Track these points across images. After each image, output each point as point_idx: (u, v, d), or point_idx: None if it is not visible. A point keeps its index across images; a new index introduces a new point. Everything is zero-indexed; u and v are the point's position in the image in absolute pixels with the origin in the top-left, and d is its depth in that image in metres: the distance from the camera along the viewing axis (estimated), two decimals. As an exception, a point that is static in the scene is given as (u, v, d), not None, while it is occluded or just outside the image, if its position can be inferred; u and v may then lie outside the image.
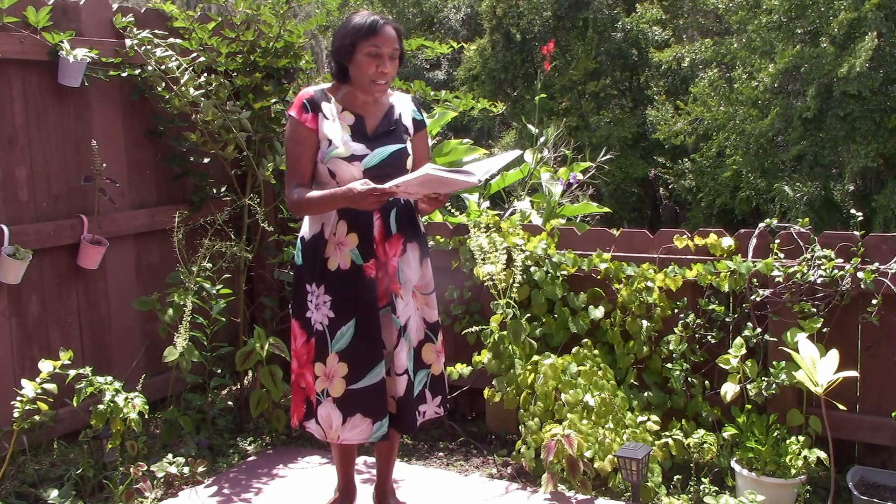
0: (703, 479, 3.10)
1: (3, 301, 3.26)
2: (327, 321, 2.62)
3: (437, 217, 4.23)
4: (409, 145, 2.69)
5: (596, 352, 3.42)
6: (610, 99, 17.47)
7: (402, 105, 2.74)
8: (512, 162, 4.78)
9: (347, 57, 2.59)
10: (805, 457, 2.98)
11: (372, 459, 3.29)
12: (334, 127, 2.61)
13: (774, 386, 3.10)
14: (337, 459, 2.88)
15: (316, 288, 2.64)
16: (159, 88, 3.59)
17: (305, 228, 2.69)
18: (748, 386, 3.14)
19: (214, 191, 3.93)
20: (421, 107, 2.82)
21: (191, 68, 3.61)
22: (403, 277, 2.65)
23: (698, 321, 3.32)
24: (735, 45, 14.50)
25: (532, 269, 3.55)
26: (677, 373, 3.28)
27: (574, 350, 3.40)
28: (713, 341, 3.30)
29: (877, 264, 3.05)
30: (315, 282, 2.64)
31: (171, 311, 3.52)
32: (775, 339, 3.17)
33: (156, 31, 3.65)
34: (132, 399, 3.06)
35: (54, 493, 2.99)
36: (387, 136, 2.64)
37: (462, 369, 3.59)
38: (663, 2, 17.98)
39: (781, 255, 3.21)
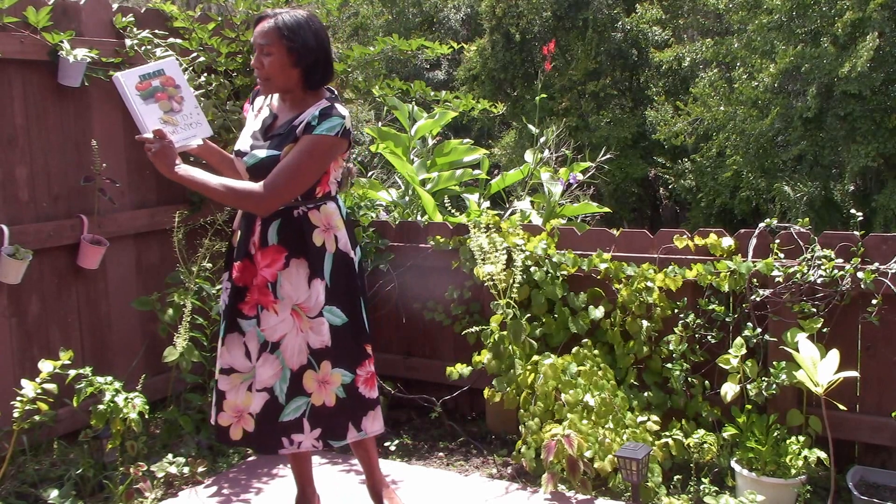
0: (703, 479, 3.11)
1: (3, 301, 3.26)
2: (224, 306, 2.69)
3: (438, 217, 4.24)
4: (283, 152, 2.49)
5: (596, 352, 3.42)
6: (610, 99, 17.45)
7: (312, 111, 2.51)
8: (513, 161, 4.80)
9: None
10: (805, 457, 2.99)
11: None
12: (250, 121, 2.66)
13: (774, 386, 3.10)
14: (291, 466, 2.93)
15: (224, 273, 2.73)
16: (159, 88, 3.59)
17: None
18: (748, 386, 3.14)
19: (214, 191, 3.93)
20: (330, 117, 2.47)
21: (191, 68, 3.61)
22: (282, 292, 2.53)
23: (698, 321, 3.32)
24: (735, 45, 14.48)
25: (532, 269, 3.55)
26: (677, 373, 3.29)
27: (574, 350, 3.40)
28: (713, 341, 3.30)
29: (877, 264, 3.05)
30: (224, 266, 2.74)
31: (171, 311, 3.52)
32: (775, 339, 3.17)
33: (156, 31, 3.65)
34: (132, 399, 3.06)
35: (54, 493, 2.99)
36: (275, 139, 2.54)
37: (462, 369, 3.59)
38: (663, 2, 17.97)
39: (781, 255, 3.21)
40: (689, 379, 3.33)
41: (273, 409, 2.56)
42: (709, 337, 3.31)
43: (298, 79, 2.53)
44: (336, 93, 2.66)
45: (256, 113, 2.66)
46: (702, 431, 3.18)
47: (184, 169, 2.44)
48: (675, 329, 3.33)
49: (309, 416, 2.58)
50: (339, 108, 2.51)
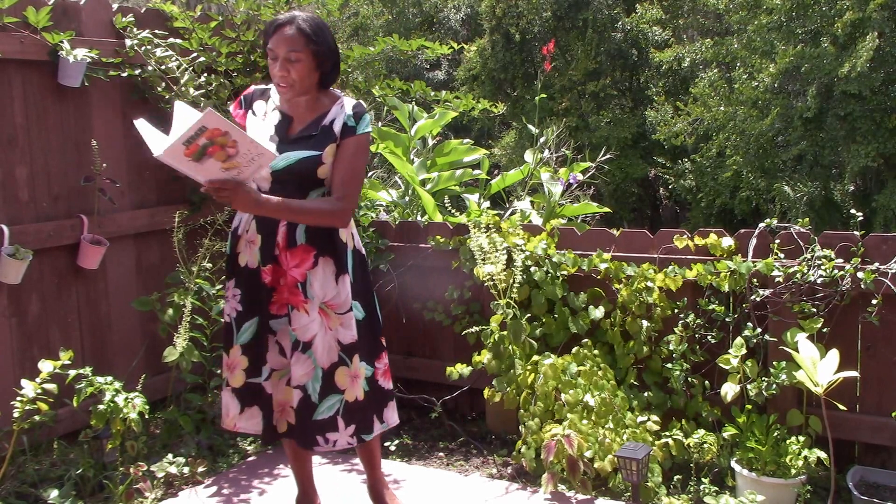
0: (703, 479, 3.11)
1: (3, 301, 3.26)
2: (235, 314, 2.66)
3: (438, 217, 4.24)
4: (325, 153, 2.52)
5: (596, 352, 3.42)
6: (610, 99, 17.46)
7: (341, 111, 2.57)
8: (513, 161, 4.81)
9: (266, 57, 2.61)
10: (805, 457, 2.99)
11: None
12: (257, 124, 2.62)
13: (774, 386, 3.10)
14: (291, 466, 2.93)
15: (227, 280, 2.71)
16: (159, 88, 3.59)
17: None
18: (748, 386, 3.14)
19: (214, 191, 3.93)
20: (362, 115, 2.58)
21: (191, 68, 3.61)
22: (311, 292, 2.55)
23: (698, 321, 3.32)
24: (735, 45, 14.49)
25: (532, 269, 3.55)
26: (677, 373, 3.29)
27: (574, 350, 3.40)
28: (713, 341, 3.30)
29: (877, 264, 3.05)
30: (227, 273, 2.71)
31: (171, 311, 3.52)
32: (775, 339, 3.17)
33: (156, 31, 3.65)
34: (132, 399, 3.06)
35: (54, 493, 2.99)
36: (305, 140, 2.55)
37: (462, 369, 3.59)
38: (663, 2, 17.97)
39: (781, 255, 3.21)
40: (689, 379, 3.33)
41: (307, 407, 2.59)
42: (709, 337, 3.31)
43: (317, 80, 2.56)
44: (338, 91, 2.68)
45: (263, 116, 2.64)
46: (702, 431, 3.18)
47: (270, 202, 2.46)
48: (675, 329, 3.33)
49: (343, 413, 2.61)
50: (363, 103, 2.61)
